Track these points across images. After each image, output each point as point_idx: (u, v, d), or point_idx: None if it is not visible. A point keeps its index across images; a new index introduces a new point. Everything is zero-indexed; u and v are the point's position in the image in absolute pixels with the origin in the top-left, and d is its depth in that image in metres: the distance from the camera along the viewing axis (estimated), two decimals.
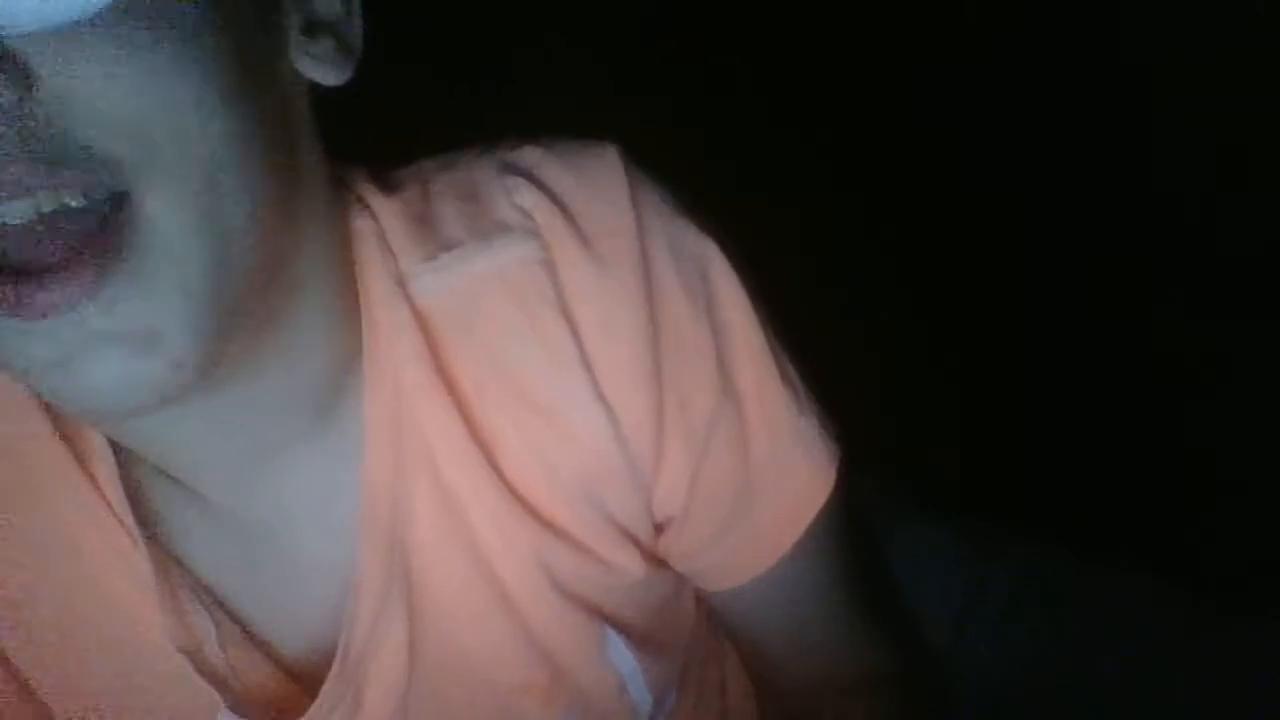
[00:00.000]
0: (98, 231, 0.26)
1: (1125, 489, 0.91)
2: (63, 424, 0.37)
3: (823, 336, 0.47)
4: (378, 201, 0.39)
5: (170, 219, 0.26)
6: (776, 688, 0.53)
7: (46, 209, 0.25)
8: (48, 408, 0.37)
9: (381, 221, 0.39)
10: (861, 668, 0.51)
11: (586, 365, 0.39)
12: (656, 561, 0.45)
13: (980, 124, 1.11)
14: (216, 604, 0.39)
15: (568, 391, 0.39)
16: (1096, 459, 0.94)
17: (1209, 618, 0.73)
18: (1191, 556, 0.81)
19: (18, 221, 0.25)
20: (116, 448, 0.37)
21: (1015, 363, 1.02)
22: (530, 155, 0.40)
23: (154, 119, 0.25)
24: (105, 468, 0.37)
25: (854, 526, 0.50)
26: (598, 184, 0.39)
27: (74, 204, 0.25)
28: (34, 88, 0.24)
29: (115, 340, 0.27)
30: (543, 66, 1.13)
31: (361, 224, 0.38)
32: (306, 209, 0.34)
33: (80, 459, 0.37)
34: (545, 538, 0.40)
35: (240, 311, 0.30)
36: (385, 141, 0.44)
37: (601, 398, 0.39)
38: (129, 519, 0.36)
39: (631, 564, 0.43)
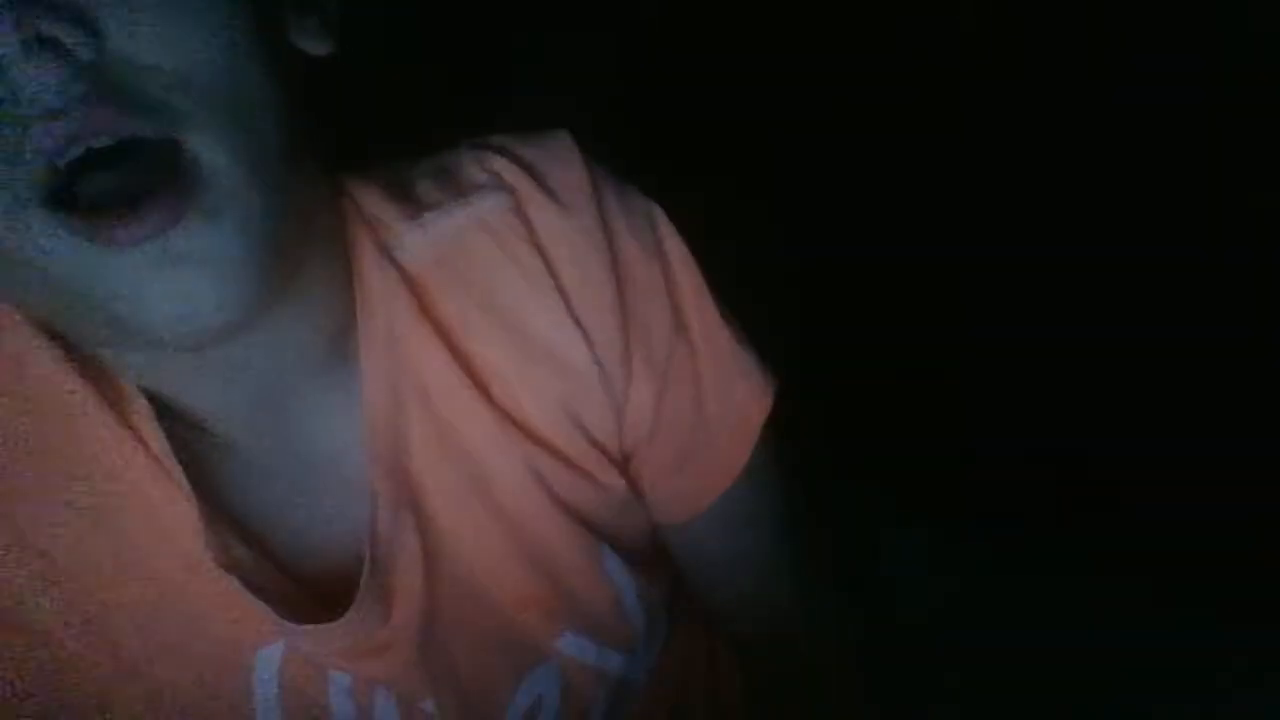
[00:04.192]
0: (168, 171, 0.30)
1: (1105, 493, 0.91)
2: (103, 386, 0.39)
3: (807, 342, 0.52)
4: (357, 186, 0.45)
5: (226, 161, 0.31)
6: (728, 623, 0.58)
7: (110, 140, 0.29)
8: (84, 370, 0.39)
9: (361, 200, 0.44)
10: (803, 608, 0.57)
11: (561, 293, 0.44)
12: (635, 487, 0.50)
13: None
14: (249, 539, 0.42)
15: (546, 317, 0.44)
16: (1080, 463, 0.94)
17: (1192, 618, 0.73)
18: (1178, 561, 0.81)
19: (99, 146, 0.29)
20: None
21: (997, 369, 1.02)
22: (494, 138, 0.47)
23: (203, 73, 0.30)
24: (146, 421, 0.39)
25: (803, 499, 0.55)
26: (555, 153, 0.46)
27: (137, 136, 0.29)
28: (104, 47, 0.28)
29: (191, 266, 0.31)
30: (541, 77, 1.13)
31: (345, 202, 0.44)
32: (312, 177, 0.39)
33: (122, 415, 0.40)
34: (537, 453, 0.45)
35: (279, 247, 0.34)
36: (389, 145, 0.49)
37: (576, 321, 0.45)
38: (170, 460, 0.39)
39: (616, 483, 0.48)
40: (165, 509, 0.40)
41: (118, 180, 0.29)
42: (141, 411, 0.39)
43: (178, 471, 0.39)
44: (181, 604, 0.41)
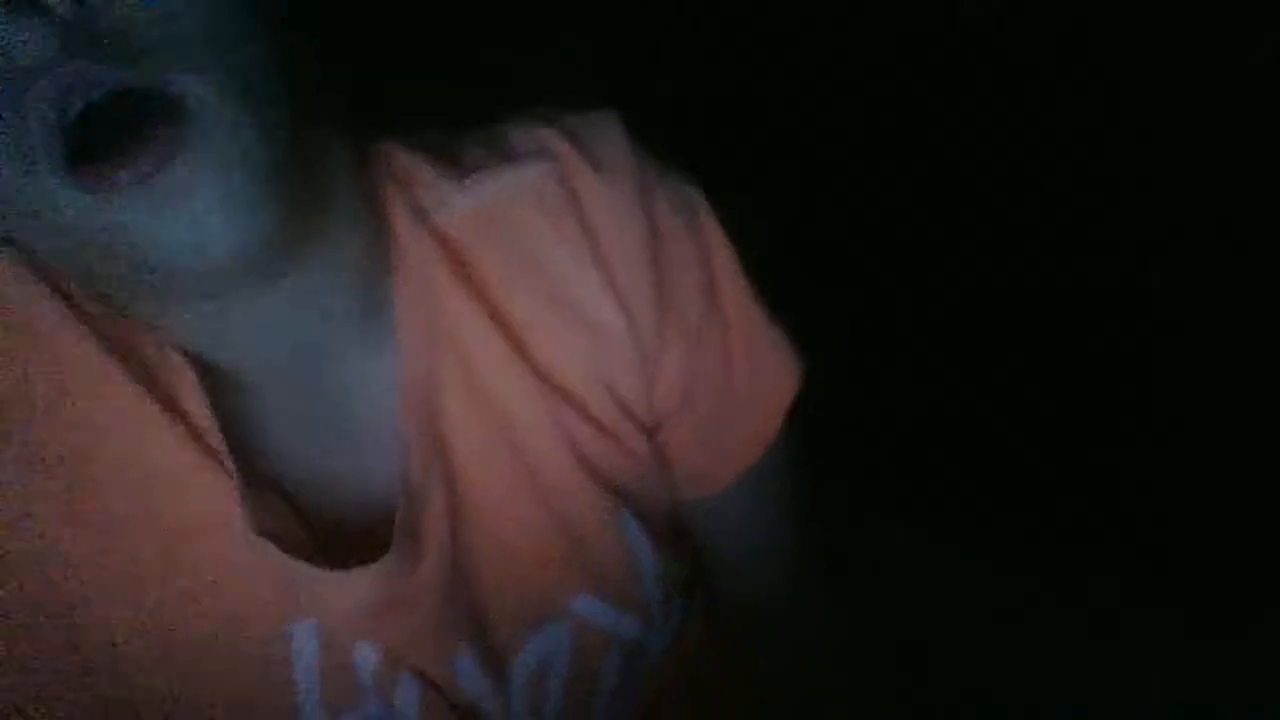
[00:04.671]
0: (163, 115, 0.31)
1: (1102, 487, 0.91)
2: (130, 357, 0.40)
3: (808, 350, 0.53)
4: (392, 147, 0.45)
5: (215, 97, 0.32)
6: (733, 602, 0.59)
7: (101, 96, 0.30)
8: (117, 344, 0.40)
9: (397, 160, 0.45)
10: (797, 590, 0.58)
11: (599, 260, 0.46)
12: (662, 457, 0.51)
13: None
14: (285, 493, 0.43)
15: (584, 283, 0.46)
16: (1076, 459, 0.95)
17: (1186, 614, 0.74)
18: (1172, 554, 0.82)
19: (94, 101, 0.30)
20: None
21: (990, 365, 1.02)
22: (544, 110, 0.48)
23: (184, 15, 0.31)
24: (188, 386, 0.40)
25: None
26: (602, 128, 0.47)
27: (130, 88, 0.30)
28: (85, 1, 0.30)
29: (194, 202, 0.32)
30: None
31: (382, 169, 0.45)
32: (325, 124, 0.40)
33: (152, 386, 0.40)
34: (567, 412, 0.46)
35: (292, 192, 0.35)
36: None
37: (613, 288, 0.46)
38: (211, 425, 0.40)
39: (643, 451, 0.49)
40: (198, 478, 0.40)
41: (115, 131, 0.30)
42: (182, 377, 0.40)
43: (218, 439, 0.40)
44: (218, 576, 0.41)
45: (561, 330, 0.46)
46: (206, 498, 0.40)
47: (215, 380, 0.41)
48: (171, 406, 0.40)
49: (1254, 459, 0.86)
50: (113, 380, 0.40)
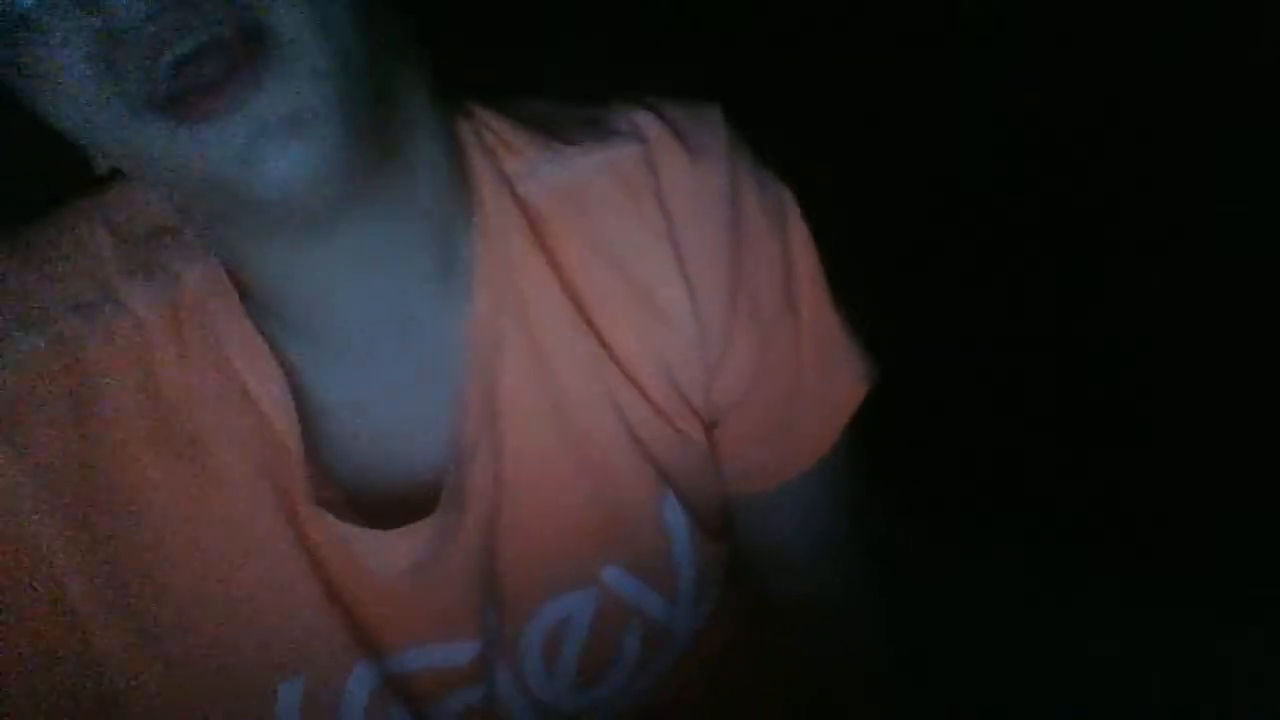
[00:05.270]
0: (245, 48, 0.32)
1: (1102, 487, 0.91)
2: (188, 326, 0.42)
3: None
4: (483, 110, 0.47)
5: (299, 32, 0.33)
6: (784, 601, 0.60)
7: (205, 39, 0.32)
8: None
9: (488, 123, 0.46)
10: (851, 596, 0.58)
11: (675, 246, 0.46)
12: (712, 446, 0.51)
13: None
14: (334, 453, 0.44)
15: (657, 268, 0.46)
16: (1076, 459, 0.94)
17: (1186, 614, 0.74)
18: (1172, 554, 0.82)
19: (186, 51, 0.32)
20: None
21: (990, 365, 1.01)
22: (645, 97, 0.49)
23: None
24: (257, 355, 0.42)
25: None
26: (701, 118, 0.47)
27: (225, 32, 0.32)
28: None
29: (280, 124, 0.33)
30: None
31: (467, 129, 0.46)
32: (406, 72, 0.41)
33: (217, 352, 0.42)
34: (628, 390, 0.46)
35: (365, 117, 0.36)
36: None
37: (685, 277, 0.46)
38: (283, 395, 0.42)
39: (695, 433, 0.49)
40: (245, 442, 0.42)
41: (202, 62, 0.32)
42: (250, 342, 0.42)
43: (289, 412, 0.41)
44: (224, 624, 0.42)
45: (630, 310, 0.46)
46: (263, 455, 0.42)
47: (286, 339, 0.43)
48: (230, 370, 0.42)
49: (1254, 459, 0.86)
50: (162, 342, 0.41)
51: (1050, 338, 1.02)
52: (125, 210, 0.43)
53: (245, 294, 0.42)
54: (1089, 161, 1.08)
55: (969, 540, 0.83)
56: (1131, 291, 1.02)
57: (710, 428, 0.51)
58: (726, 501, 0.54)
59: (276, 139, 0.33)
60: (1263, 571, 0.76)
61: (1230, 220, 1.00)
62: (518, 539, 0.46)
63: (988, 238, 1.08)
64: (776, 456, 0.52)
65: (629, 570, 0.48)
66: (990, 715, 0.72)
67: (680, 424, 0.48)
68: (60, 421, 0.40)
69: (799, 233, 0.49)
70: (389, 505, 0.44)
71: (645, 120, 0.47)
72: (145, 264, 0.42)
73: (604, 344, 0.46)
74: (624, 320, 0.46)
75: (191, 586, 0.42)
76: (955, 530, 0.83)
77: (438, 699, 0.46)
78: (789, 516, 0.55)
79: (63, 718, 0.40)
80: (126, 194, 0.43)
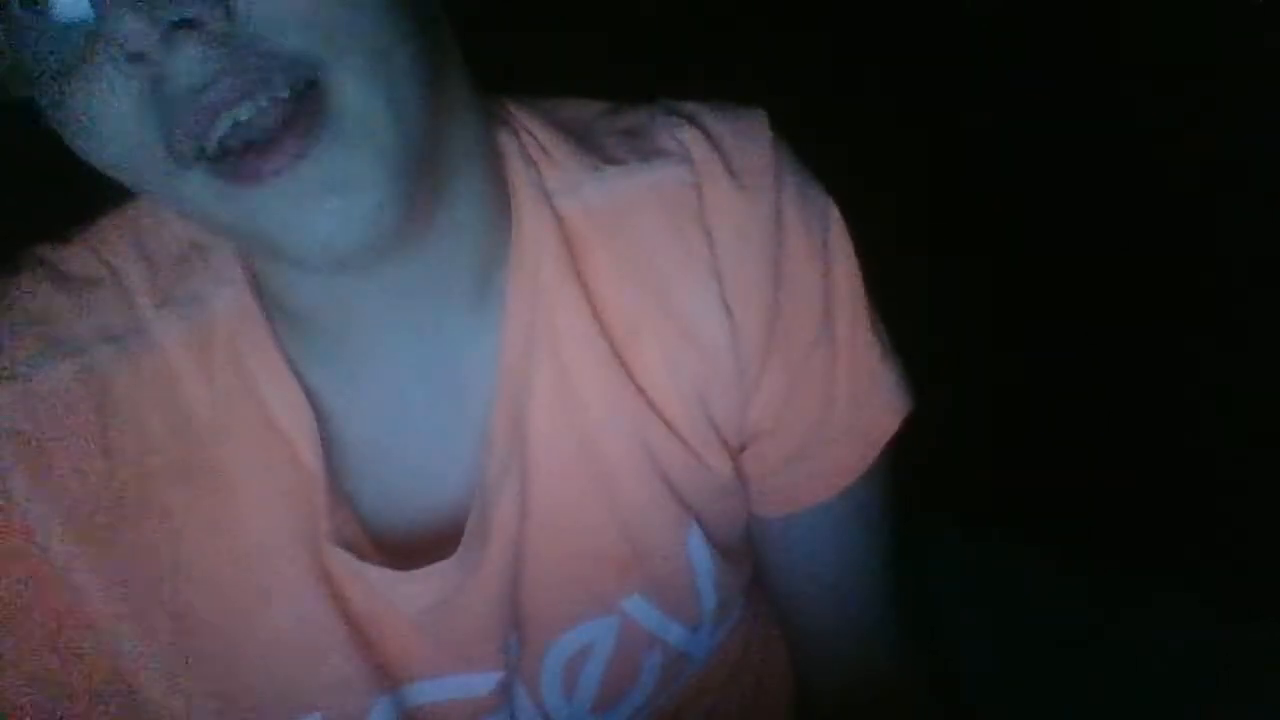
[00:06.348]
0: (300, 109, 0.31)
1: (1102, 488, 0.91)
2: (215, 353, 0.41)
3: None
4: (525, 117, 0.45)
5: (356, 92, 0.32)
6: (805, 635, 0.58)
7: (263, 102, 0.31)
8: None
9: (529, 131, 0.45)
10: (884, 638, 0.56)
11: (716, 274, 0.45)
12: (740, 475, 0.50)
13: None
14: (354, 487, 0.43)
15: (696, 296, 0.45)
16: (1122, 475, 0.94)
17: (1190, 610, 0.73)
18: (1174, 553, 0.81)
19: (244, 119, 0.31)
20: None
21: (990, 365, 1.01)
22: (690, 105, 0.47)
23: (337, 20, 0.31)
24: (303, 418, 0.41)
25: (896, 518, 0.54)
26: (747, 132, 0.46)
27: (281, 95, 0.31)
28: (235, 15, 0.30)
29: (329, 189, 0.32)
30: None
31: (508, 137, 0.44)
32: (457, 104, 0.41)
33: (246, 381, 0.41)
34: (653, 422, 0.45)
35: (417, 173, 0.35)
36: None
37: (725, 305, 0.45)
38: (309, 429, 0.41)
39: (724, 468, 0.48)
40: (271, 474, 0.41)
41: (256, 122, 0.31)
42: (279, 372, 0.41)
43: (317, 459, 0.41)
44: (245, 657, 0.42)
45: (665, 339, 0.45)
46: (280, 488, 0.41)
47: (312, 363, 0.43)
48: (258, 398, 0.41)
49: (1254, 459, 0.86)
50: (187, 371, 0.41)
51: (1051, 338, 1.02)
52: (156, 231, 0.42)
53: (274, 308, 0.42)
54: (1088, 161, 1.08)
55: (972, 540, 0.82)
56: (1132, 291, 1.02)
57: (739, 452, 0.50)
58: (748, 523, 0.53)
59: (325, 203, 0.32)
60: (1264, 571, 0.76)
61: (1230, 220, 1.00)
62: (541, 570, 0.45)
63: (987, 237, 1.08)
64: (800, 481, 0.51)
65: (651, 600, 0.48)
66: (991, 715, 0.72)
67: (708, 458, 0.47)
68: (88, 453, 0.39)
69: (841, 252, 0.48)
70: (412, 540, 0.43)
71: (690, 137, 0.45)
72: (174, 294, 0.41)
73: (636, 379, 0.45)
74: (657, 351, 0.45)
75: (215, 619, 0.41)
76: (957, 530, 0.83)
77: None
78: (806, 541, 0.53)
79: None
80: (157, 208, 0.42)
